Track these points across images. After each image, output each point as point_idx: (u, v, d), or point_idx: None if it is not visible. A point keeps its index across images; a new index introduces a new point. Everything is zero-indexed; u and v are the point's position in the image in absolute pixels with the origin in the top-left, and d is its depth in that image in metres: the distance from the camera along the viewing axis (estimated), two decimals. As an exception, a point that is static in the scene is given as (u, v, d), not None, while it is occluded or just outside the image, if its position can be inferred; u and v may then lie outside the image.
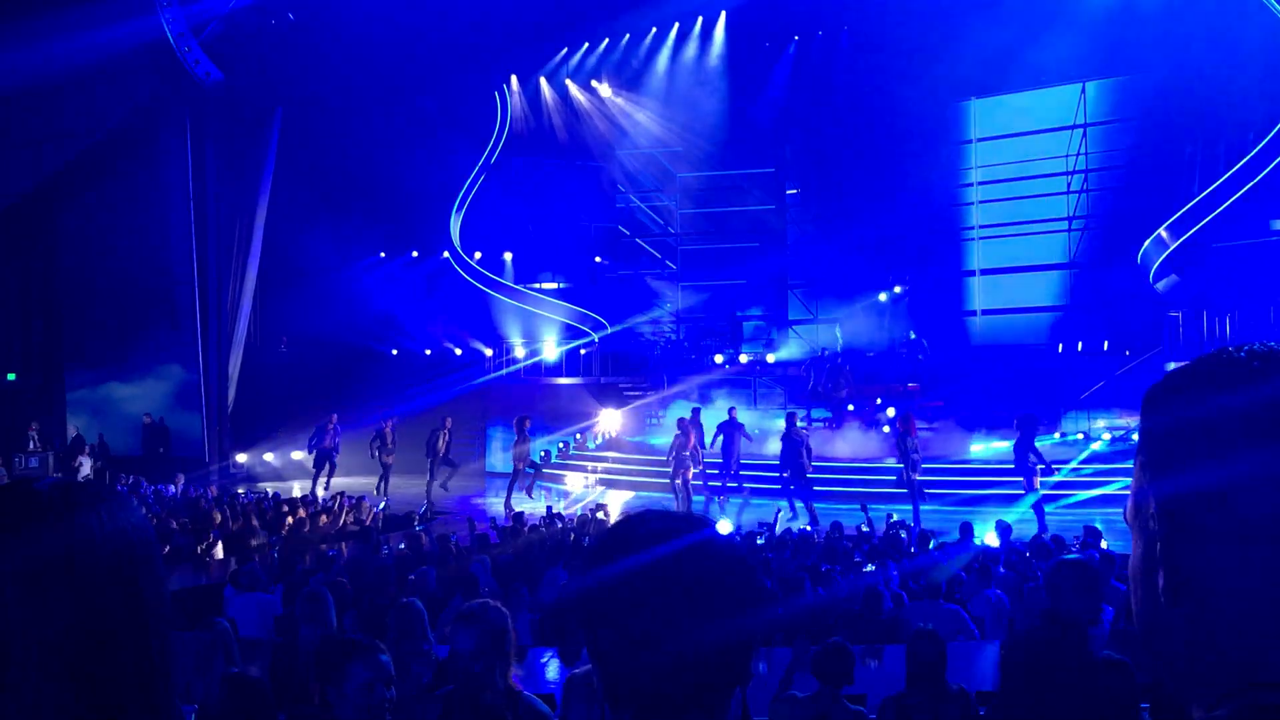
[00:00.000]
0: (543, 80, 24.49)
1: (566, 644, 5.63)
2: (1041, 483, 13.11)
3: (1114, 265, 19.22)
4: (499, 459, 18.74)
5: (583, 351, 23.14)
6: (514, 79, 24.24)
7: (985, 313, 22.57)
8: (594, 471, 18.45)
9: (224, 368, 20.59)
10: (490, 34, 21.27)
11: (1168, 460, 0.79)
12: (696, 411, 16.17)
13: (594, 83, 24.47)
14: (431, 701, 3.23)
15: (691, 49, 23.46)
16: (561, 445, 20.19)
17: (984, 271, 22.57)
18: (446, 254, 23.66)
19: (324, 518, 12.37)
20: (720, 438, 15.58)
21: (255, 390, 21.55)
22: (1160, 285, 18.47)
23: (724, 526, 11.00)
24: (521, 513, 12.67)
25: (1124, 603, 6.36)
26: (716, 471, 15.81)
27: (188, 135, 19.86)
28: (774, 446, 14.96)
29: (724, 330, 23.59)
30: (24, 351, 21.23)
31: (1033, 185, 22.07)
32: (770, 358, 21.48)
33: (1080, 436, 16.58)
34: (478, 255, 24.09)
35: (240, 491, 16.35)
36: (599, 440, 20.28)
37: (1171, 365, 16.10)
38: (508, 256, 24.89)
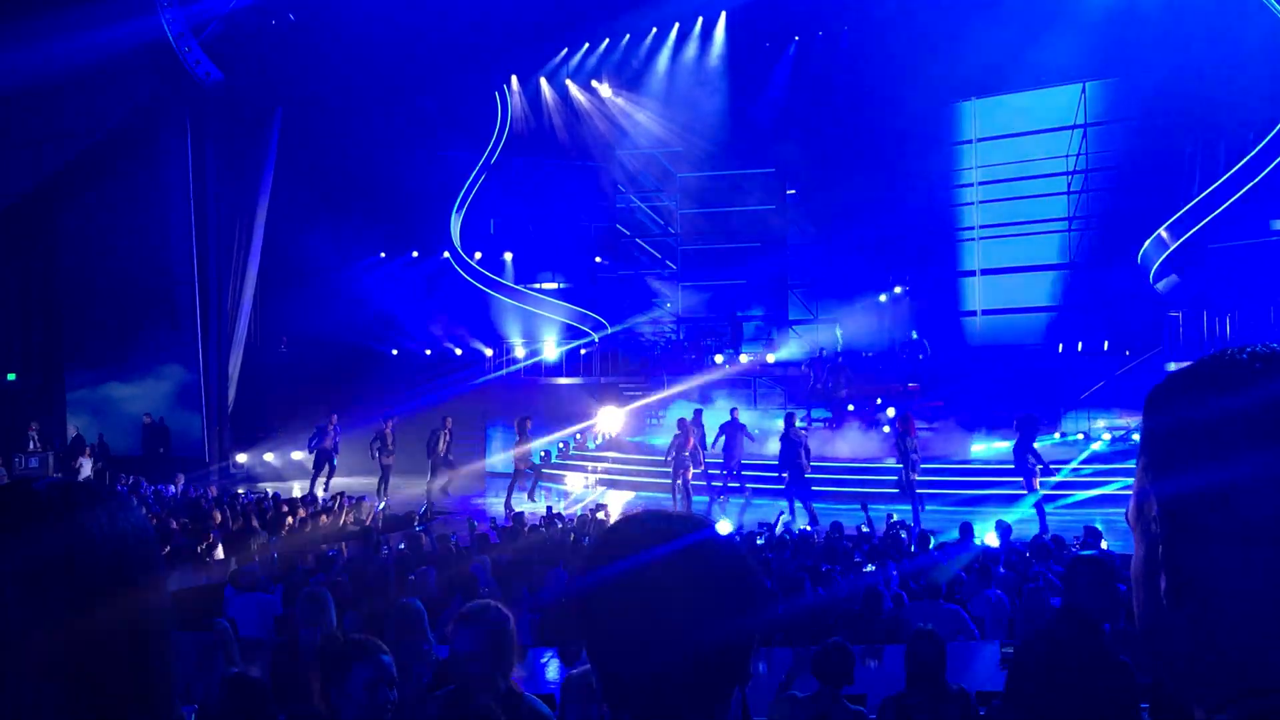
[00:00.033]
0: (543, 80, 24.49)
1: (566, 644, 5.63)
2: (1042, 483, 13.11)
3: (1114, 265, 19.22)
4: (499, 459, 18.73)
5: (583, 351, 23.14)
6: (514, 79, 24.24)
7: (985, 313, 22.58)
8: (594, 472, 18.45)
9: (224, 368, 20.59)
10: (490, 34, 21.27)
11: (1170, 461, 0.79)
12: (698, 413, 16.17)
13: (594, 83, 24.47)
14: (431, 702, 3.23)
15: (691, 49, 23.46)
16: (561, 445, 20.18)
17: (984, 271, 22.57)
18: (446, 254, 23.66)
19: (324, 518, 12.37)
20: (722, 438, 15.58)
21: (255, 390, 21.55)
22: (1160, 285, 18.47)
23: (724, 527, 10.99)
24: (521, 513, 12.68)
25: (1125, 603, 6.36)
26: (718, 472, 15.81)
27: (188, 135, 19.86)
28: (774, 447, 14.96)
29: (724, 330, 23.59)
30: (24, 351, 21.23)
31: (1033, 185, 22.07)
32: (770, 358, 21.48)
33: (1080, 436, 16.58)
34: (478, 255, 24.09)
35: (240, 491, 16.35)
36: (599, 440, 20.28)
37: (1172, 365, 16.16)
38: (508, 256, 24.89)
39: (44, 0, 16.32)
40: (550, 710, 3.05)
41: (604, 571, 1.05)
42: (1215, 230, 17.50)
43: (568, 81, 24.52)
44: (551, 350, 23.20)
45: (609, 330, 23.58)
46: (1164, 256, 18.14)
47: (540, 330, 23.47)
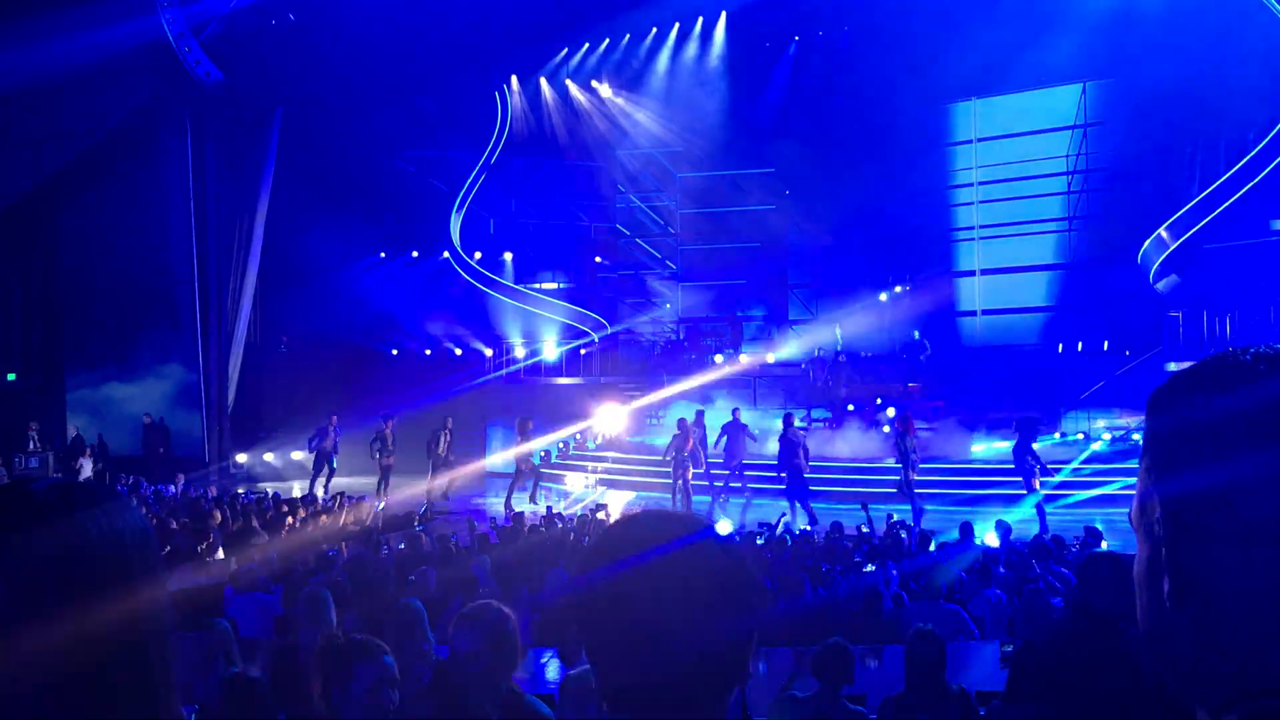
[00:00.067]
0: (543, 80, 24.49)
1: (566, 644, 5.63)
2: (1042, 484, 13.11)
3: (1114, 265, 19.23)
4: (499, 459, 18.72)
5: (583, 351, 23.13)
6: (514, 79, 24.25)
7: (986, 313, 22.58)
8: (594, 472, 18.45)
9: (224, 368, 20.58)
10: (490, 34, 21.27)
11: (1172, 462, 0.79)
12: (700, 414, 16.17)
13: (594, 83, 24.47)
14: (432, 702, 3.23)
15: (691, 49, 23.46)
16: (561, 445, 20.18)
17: (984, 271, 22.58)
18: (446, 254, 23.66)
19: (324, 518, 12.37)
20: (724, 439, 15.56)
21: (255, 390, 21.54)
22: (1160, 285, 18.47)
23: (724, 527, 11.00)
24: (522, 513, 12.67)
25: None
26: (724, 472, 15.79)
27: (188, 135, 19.85)
28: (774, 447, 14.96)
29: (724, 330, 23.59)
30: (24, 351, 21.23)
31: (1033, 185, 22.08)
32: (770, 358, 21.47)
33: (1080, 437, 16.58)
34: (478, 255, 24.09)
35: (240, 491, 16.34)
36: (599, 440, 20.27)
37: (1172, 365, 16.17)
38: (508, 256, 24.89)
39: (44, 0, 16.32)
40: (551, 711, 3.04)
41: (603, 571, 1.05)
42: (1215, 230, 17.49)
43: (568, 81, 24.52)
44: (551, 350, 23.21)
45: (609, 330, 23.58)
46: (1164, 256, 18.14)
47: (540, 330, 23.47)
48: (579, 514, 12.73)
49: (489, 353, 23.25)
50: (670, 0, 22.24)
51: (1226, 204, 17.33)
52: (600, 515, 12.10)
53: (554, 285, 25.12)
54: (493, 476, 18.79)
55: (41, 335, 21.38)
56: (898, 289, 22.34)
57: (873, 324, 21.56)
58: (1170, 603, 0.78)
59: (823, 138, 22.12)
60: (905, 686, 4.27)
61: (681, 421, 15.46)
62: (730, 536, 1.12)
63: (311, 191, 20.81)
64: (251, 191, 20.78)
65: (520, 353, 23.29)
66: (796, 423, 15.28)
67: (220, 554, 10.42)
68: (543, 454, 18.58)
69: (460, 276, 23.54)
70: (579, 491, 17.57)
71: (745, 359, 21.27)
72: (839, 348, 20.79)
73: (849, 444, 17.39)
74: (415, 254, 24.17)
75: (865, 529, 11.30)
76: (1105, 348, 19.36)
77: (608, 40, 23.76)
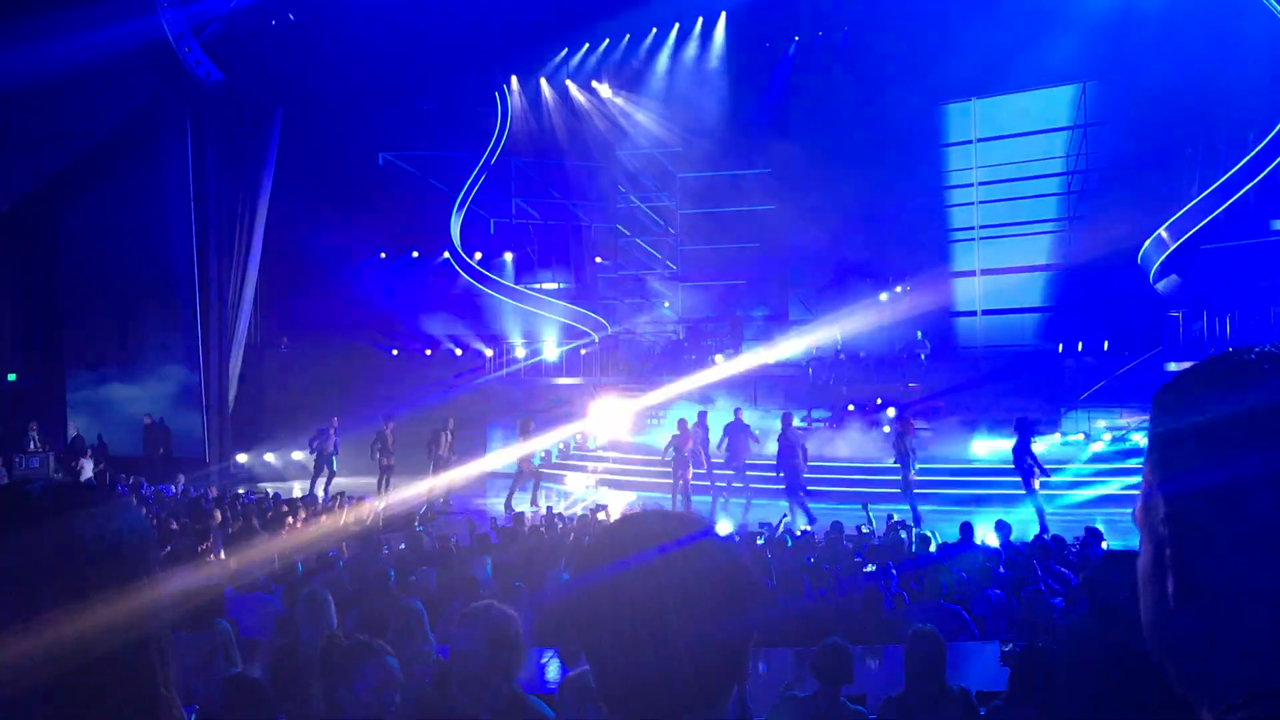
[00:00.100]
0: (543, 80, 24.49)
1: (566, 644, 5.63)
2: (1041, 484, 13.10)
3: (1113, 265, 19.22)
4: (500, 459, 18.72)
5: (583, 351, 23.13)
6: (514, 79, 24.25)
7: (985, 313, 22.58)
8: (594, 472, 18.44)
9: (224, 368, 20.58)
10: (490, 34, 21.28)
11: (1177, 461, 0.79)
12: (703, 415, 16.17)
13: (594, 83, 24.48)
14: (432, 703, 3.23)
15: (691, 49, 23.47)
16: (562, 446, 20.18)
17: (984, 271, 22.58)
18: (446, 254, 23.65)
19: (324, 518, 12.36)
20: (726, 440, 15.53)
21: (256, 390, 21.54)
22: (1161, 285, 18.47)
23: (724, 527, 10.99)
24: (522, 513, 12.67)
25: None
26: (730, 473, 15.75)
27: (188, 135, 19.84)
28: (774, 448, 14.95)
29: (724, 330, 23.58)
30: (25, 352, 21.23)
31: (1033, 186, 22.08)
32: (770, 358, 21.47)
33: (1080, 437, 16.57)
34: (478, 255, 24.09)
35: (241, 492, 16.32)
36: (599, 440, 20.27)
37: (1172, 365, 16.16)
38: (508, 256, 24.89)
39: (44, 0, 16.32)
40: (551, 711, 3.03)
41: (602, 572, 1.05)
42: (1215, 230, 17.50)
43: (568, 82, 24.53)
44: (552, 350, 23.20)
45: (609, 330, 23.58)
46: (1164, 256, 18.14)
47: (540, 330, 23.47)
48: (579, 514, 12.73)
49: (489, 353, 23.25)
50: (670, 0, 22.24)
51: (1226, 204, 17.33)
52: (600, 515, 12.09)
53: (554, 285, 25.12)
54: (493, 477, 18.78)
55: (42, 335, 21.38)
56: (898, 289, 22.34)
57: (873, 324, 21.55)
58: (1174, 602, 0.78)
59: (823, 137, 22.12)
60: (905, 686, 4.27)
61: (681, 421, 15.45)
62: (730, 536, 1.12)
63: (312, 191, 20.81)
64: (252, 192, 20.79)
65: (520, 353, 23.29)
66: (796, 423, 15.27)
67: (221, 554, 10.42)
68: (543, 455, 18.58)
69: (460, 276, 23.54)
70: (579, 492, 17.55)
71: (745, 359, 21.26)
72: (839, 348, 20.79)
73: (849, 444, 17.38)
74: (415, 254, 24.18)
75: (865, 529, 11.29)
76: (1105, 348, 19.35)
77: (608, 40, 23.77)
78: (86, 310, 20.74)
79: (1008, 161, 22.22)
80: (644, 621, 1.02)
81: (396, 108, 21.85)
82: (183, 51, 18.58)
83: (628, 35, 23.67)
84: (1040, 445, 14.10)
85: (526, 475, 16.09)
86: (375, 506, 14.36)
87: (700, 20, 23.17)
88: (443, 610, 6.36)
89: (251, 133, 20.63)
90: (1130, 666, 3.04)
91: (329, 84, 19.99)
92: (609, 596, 1.04)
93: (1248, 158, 17.10)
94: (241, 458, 20.87)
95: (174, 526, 11.10)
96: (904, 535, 10.73)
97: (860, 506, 12.27)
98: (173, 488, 16.28)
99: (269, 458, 21.22)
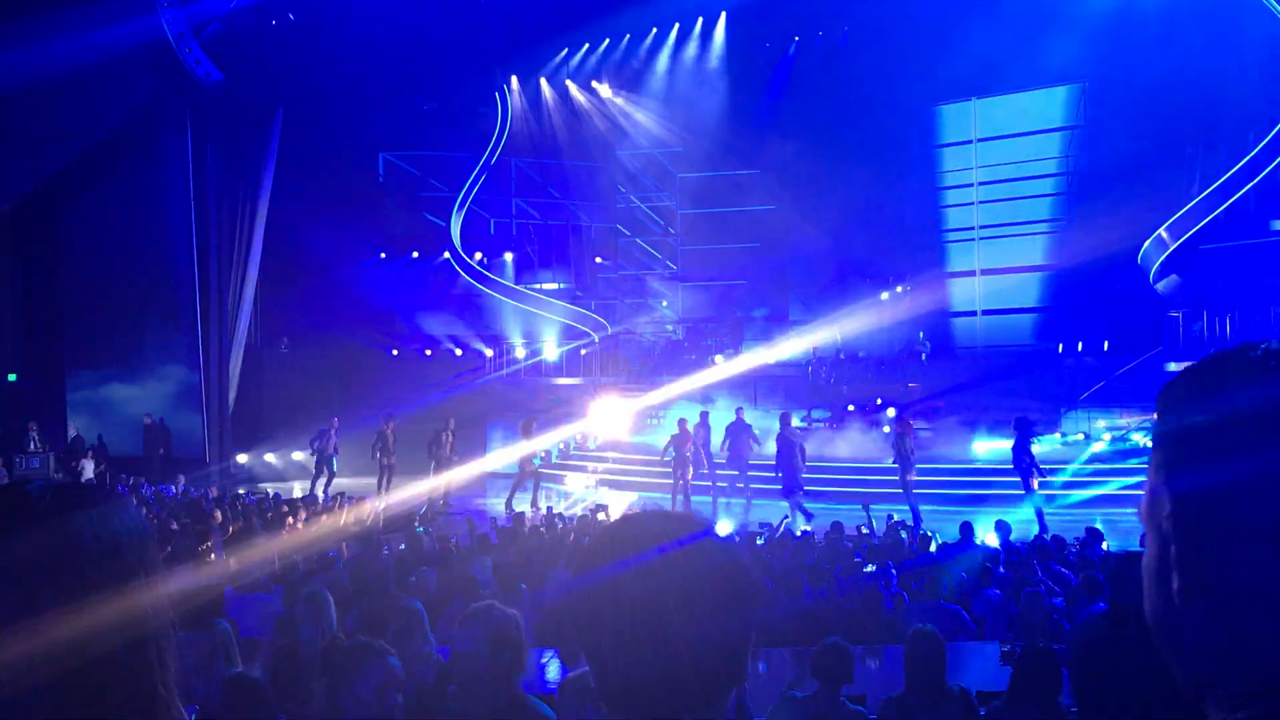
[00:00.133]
0: (543, 81, 24.50)
1: (566, 644, 5.63)
2: (1040, 484, 13.11)
3: (1114, 265, 19.22)
4: (500, 459, 18.71)
5: (583, 351, 23.13)
6: (514, 79, 24.26)
7: (985, 313, 22.58)
8: (594, 472, 18.44)
9: (224, 368, 20.57)
10: (490, 34, 21.29)
11: (1181, 459, 0.79)
12: (705, 414, 16.15)
13: (594, 83, 24.49)
14: (433, 703, 3.23)
15: (691, 49, 23.47)
16: (562, 446, 20.18)
17: (984, 271, 22.58)
18: (446, 254, 23.66)
19: (324, 518, 12.36)
20: (728, 440, 15.51)
21: (256, 390, 21.54)
22: (1161, 285, 18.47)
23: (724, 527, 10.99)
24: (522, 513, 12.67)
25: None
26: (734, 473, 15.74)
27: (188, 135, 19.84)
28: (773, 448, 14.94)
29: (724, 330, 23.59)
30: (25, 352, 21.23)
31: (1033, 186, 22.08)
32: (770, 357, 21.47)
33: (1081, 437, 16.57)
34: (478, 255, 24.10)
35: (241, 492, 16.33)
36: (599, 440, 20.27)
37: (1172, 365, 16.16)
38: (508, 256, 24.89)
39: (44, 0, 16.32)
40: (553, 712, 3.03)
41: (602, 572, 1.05)
42: (1215, 230, 17.50)
43: (568, 82, 24.53)
44: (552, 350, 23.20)
45: (609, 330, 23.58)
46: (1164, 256, 18.15)
47: (540, 330, 23.47)
48: (579, 514, 12.73)
49: (489, 353, 23.25)
50: (670, 0, 22.24)
51: (1226, 204, 17.34)
52: (601, 516, 12.09)
53: (554, 285, 25.12)
54: (493, 477, 18.78)
55: (43, 335, 21.38)
56: (899, 289, 22.34)
57: (873, 324, 21.55)
58: (1179, 599, 0.78)
59: (823, 137, 22.12)
60: (905, 686, 4.27)
61: (681, 421, 15.44)
62: (730, 537, 1.12)
63: (312, 191, 20.82)
64: (252, 191, 20.78)
65: (520, 353, 23.29)
66: (795, 422, 15.26)
67: (220, 554, 10.42)
68: (543, 455, 18.58)
69: (460, 276, 23.54)
70: (579, 492, 17.55)
71: (746, 359, 21.26)
72: (839, 348, 20.79)
73: (849, 444, 17.38)
74: (415, 254, 24.18)
75: (865, 530, 11.29)
76: (1105, 348, 19.35)
77: (608, 40, 23.77)
78: (86, 310, 20.73)
79: (1008, 161, 22.22)
80: (644, 622, 1.02)
81: (396, 108, 21.85)
82: (183, 51, 18.57)
83: (628, 35, 23.68)
84: (1040, 445, 14.09)
85: (527, 476, 16.09)
86: (375, 507, 14.36)
87: (700, 20, 23.17)
88: (443, 610, 6.36)
89: (251, 133, 20.63)
90: (1149, 666, 3.02)
91: (329, 84, 19.99)
92: (609, 597, 1.04)
93: (1248, 158, 17.11)
94: (241, 458, 20.86)
95: (174, 527, 11.11)
96: (904, 535, 10.73)
97: (860, 506, 12.27)
98: (173, 488, 16.27)
99: (269, 458, 21.21)
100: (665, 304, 25.85)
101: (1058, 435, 16.62)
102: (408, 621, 4.58)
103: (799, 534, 11.60)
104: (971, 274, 22.77)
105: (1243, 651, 0.75)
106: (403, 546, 10.29)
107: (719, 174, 24.24)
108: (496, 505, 16.01)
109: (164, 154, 20.02)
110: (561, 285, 25.20)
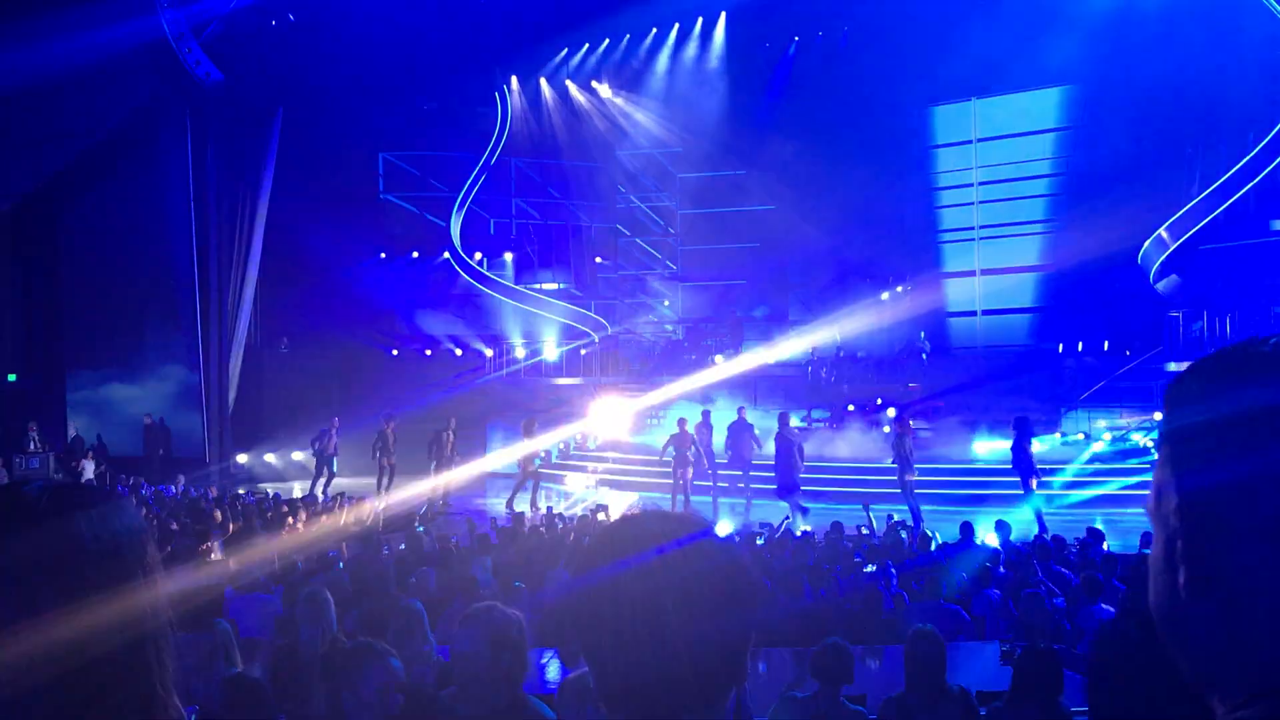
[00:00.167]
0: (543, 81, 24.50)
1: (566, 644, 5.63)
2: (1039, 484, 13.10)
3: (1113, 265, 19.23)
4: (500, 459, 18.72)
5: (583, 351, 23.13)
6: (514, 79, 24.26)
7: (985, 313, 22.58)
8: (594, 472, 18.44)
9: (224, 368, 20.57)
10: (490, 34, 21.29)
11: (1189, 454, 0.78)
12: (707, 414, 16.14)
13: (594, 83, 24.49)
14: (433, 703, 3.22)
15: (691, 49, 23.47)
16: (562, 446, 20.18)
17: (984, 271, 22.58)
18: (446, 254, 23.66)
19: (324, 518, 12.36)
20: (731, 440, 15.49)
21: (256, 390, 21.54)
22: (1161, 285, 18.47)
23: (724, 527, 10.99)
24: (522, 513, 12.67)
25: (1124, 602, 6.35)
26: (731, 473, 15.73)
27: (188, 135, 19.84)
28: (772, 448, 14.93)
29: (724, 330, 23.59)
30: (25, 352, 21.23)
31: (1033, 186, 22.09)
32: (770, 358, 21.47)
33: (1081, 437, 16.57)
34: (478, 255, 24.10)
35: (241, 492, 16.33)
36: (599, 440, 20.27)
37: (1172, 365, 16.16)
38: (508, 256, 24.89)
39: (44, 0, 16.32)
40: (553, 713, 3.03)
41: (601, 572, 1.05)
42: (1215, 230, 17.51)
43: (567, 82, 24.53)
44: (551, 350, 23.20)
45: (609, 330, 23.58)
46: (1164, 256, 18.15)
47: (540, 330, 23.47)
48: (579, 514, 12.73)
49: (489, 353, 23.25)
50: (670, 0, 22.24)
51: (1226, 204, 17.34)
52: (601, 516, 12.09)
53: (554, 285, 25.13)
54: (493, 477, 18.78)
55: (43, 335, 21.38)
56: (899, 289, 22.34)
57: (873, 324, 21.56)
58: (1186, 594, 0.77)
59: (823, 137, 22.13)
60: (905, 686, 4.27)
61: (681, 421, 15.43)
62: (730, 537, 1.12)
63: (312, 191, 20.82)
64: (252, 191, 20.79)
65: (520, 353, 23.29)
66: (795, 422, 15.25)
67: (220, 554, 10.42)
68: (543, 455, 18.58)
69: (460, 276, 23.54)
70: (579, 492, 17.55)
71: (746, 359, 21.26)
72: (838, 347, 20.79)
73: (849, 444, 17.38)
74: (415, 254, 24.18)
75: (865, 530, 11.28)
76: (1105, 348, 19.36)
77: (608, 40, 23.77)
78: (86, 310, 20.73)
79: (1008, 161, 22.22)
80: (643, 622, 1.01)
81: (396, 108, 21.85)
82: (183, 51, 18.57)
83: (628, 35, 23.67)
84: (1040, 445, 14.09)
85: (528, 476, 16.08)
86: (375, 507, 14.36)
87: (700, 20, 23.17)
88: (443, 611, 6.36)
89: (251, 133, 20.63)
90: (1166, 669, 3.01)
91: (329, 84, 19.99)
92: (608, 597, 1.03)
93: (1248, 158, 17.11)
94: (241, 458, 20.86)
95: (174, 527, 11.11)
96: (904, 535, 10.73)
97: (860, 506, 12.26)
98: (173, 488, 16.28)
99: (269, 458, 21.22)
100: (665, 304, 25.86)
101: (1058, 435, 16.62)
102: (408, 621, 4.58)
103: (799, 534, 11.60)
104: (971, 274, 22.77)
105: (1244, 650, 0.75)
106: (403, 546, 10.29)
107: (719, 174, 24.24)
108: (496, 505, 16.01)
109: (164, 154, 20.02)
110: (561, 285, 25.21)
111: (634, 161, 25.19)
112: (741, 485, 15.62)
